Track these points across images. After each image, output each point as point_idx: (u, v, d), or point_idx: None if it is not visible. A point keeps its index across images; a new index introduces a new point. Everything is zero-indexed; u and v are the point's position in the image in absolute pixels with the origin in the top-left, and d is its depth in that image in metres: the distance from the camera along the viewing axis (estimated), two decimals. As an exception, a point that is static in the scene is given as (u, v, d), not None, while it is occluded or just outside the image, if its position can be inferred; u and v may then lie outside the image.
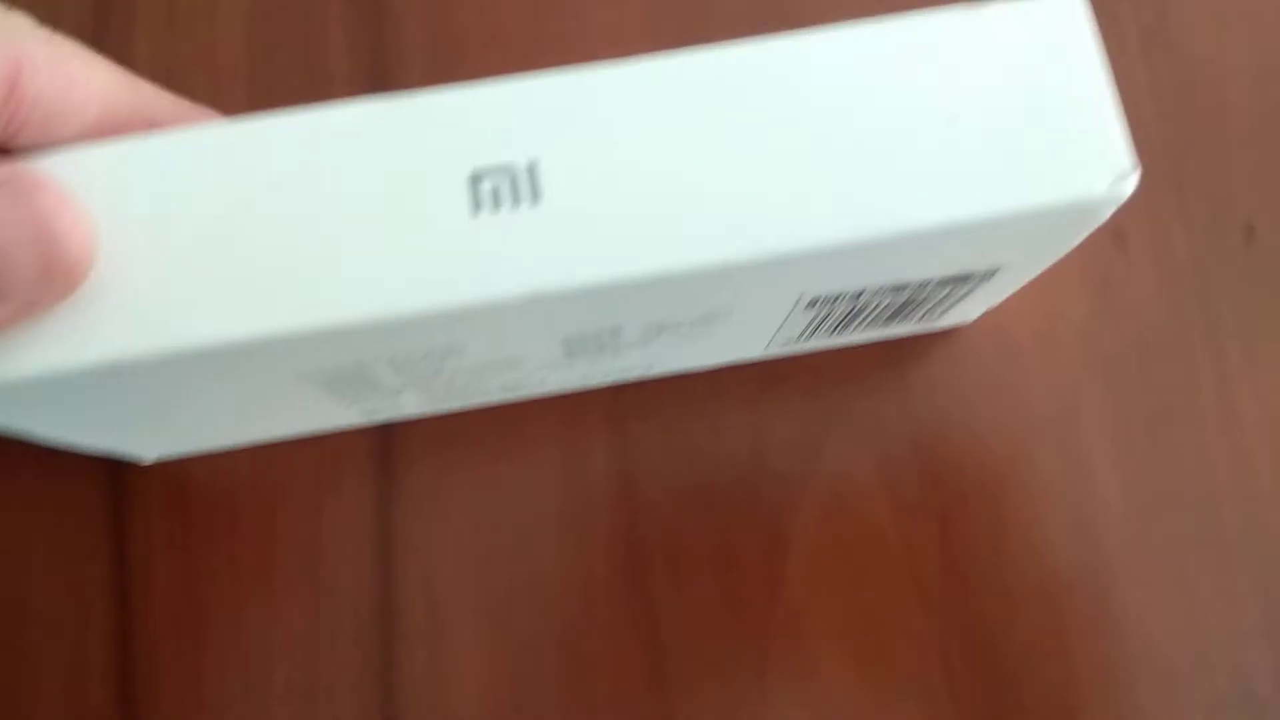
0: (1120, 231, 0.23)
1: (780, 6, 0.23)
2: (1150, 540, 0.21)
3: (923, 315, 0.20)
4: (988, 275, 0.18)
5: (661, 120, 0.15)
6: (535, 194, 0.14)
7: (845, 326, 0.20)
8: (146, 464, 0.21)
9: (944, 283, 0.18)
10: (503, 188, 0.14)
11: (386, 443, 0.22)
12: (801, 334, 0.20)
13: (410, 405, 0.20)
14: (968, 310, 0.21)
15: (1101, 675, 0.21)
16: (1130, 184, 0.15)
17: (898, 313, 0.20)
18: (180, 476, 0.22)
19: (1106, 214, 0.15)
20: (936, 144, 0.15)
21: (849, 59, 0.15)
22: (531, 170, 0.14)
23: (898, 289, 0.18)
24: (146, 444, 0.20)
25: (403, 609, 0.21)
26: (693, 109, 0.15)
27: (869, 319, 0.20)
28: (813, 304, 0.18)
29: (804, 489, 0.21)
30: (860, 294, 0.18)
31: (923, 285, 0.18)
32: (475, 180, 0.14)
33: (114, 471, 0.22)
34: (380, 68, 0.23)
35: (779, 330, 0.19)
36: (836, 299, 0.18)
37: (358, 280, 0.14)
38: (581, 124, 0.15)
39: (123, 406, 0.17)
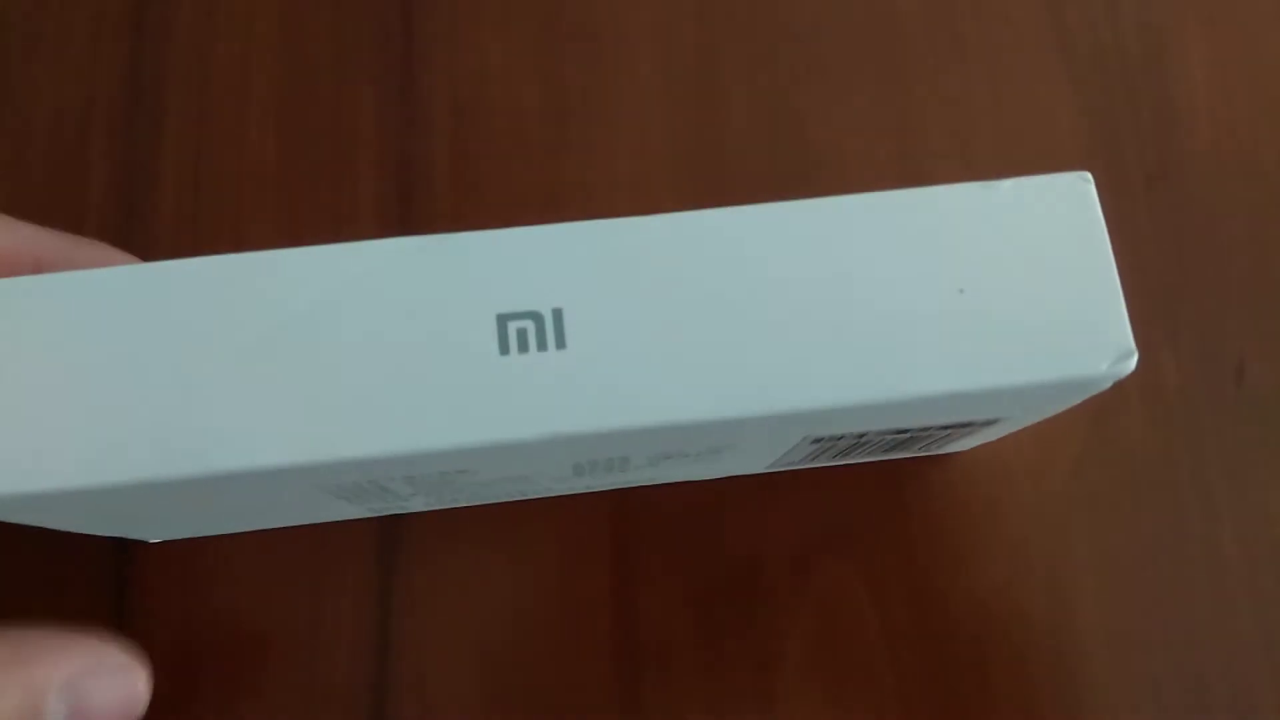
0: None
1: (800, 173, 0.25)
2: (1128, 676, 0.22)
3: (922, 447, 0.21)
4: (987, 424, 0.19)
5: (681, 274, 0.15)
6: (560, 341, 0.15)
7: (847, 456, 0.21)
8: (152, 543, 0.22)
9: (946, 428, 0.18)
10: (529, 331, 0.15)
11: (388, 533, 0.22)
12: (804, 459, 0.21)
13: (417, 505, 0.21)
14: (966, 443, 0.21)
15: None
16: (1130, 364, 0.15)
17: (898, 446, 0.20)
18: (184, 555, 0.22)
19: (1106, 386, 0.16)
20: (945, 314, 0.15)
21: (864, 225, 0.16)
22: (557, 317, 0.15)
23: (900, 431, 0.18)
24: (153, 532, 0.21)
25: (396, 702, 0.21)
26: (711, 264, 0.15)
27: (870, 450, 0.20)
28: (817, 440, 0.18)
29: (798, 605, 0.22)
30: (864, 435, 0.18)
31: (925, 429, 0.18)
32: (503, 323, 0.15)
33: (119, 549, 0.22)
34: (406, 213, 0.24)
35: (783, 456, 0.20)
36: (841, 437, 0.18)
37: (388, 412, 0.15)
38: (605, 273, 0.15)
39: (134, 510, 0.17)
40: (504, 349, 0.15)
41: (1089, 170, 0.16)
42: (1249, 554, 0.22)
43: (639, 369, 0.15)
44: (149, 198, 0.24)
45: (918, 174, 0.25)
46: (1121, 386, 0.23)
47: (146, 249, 0.24)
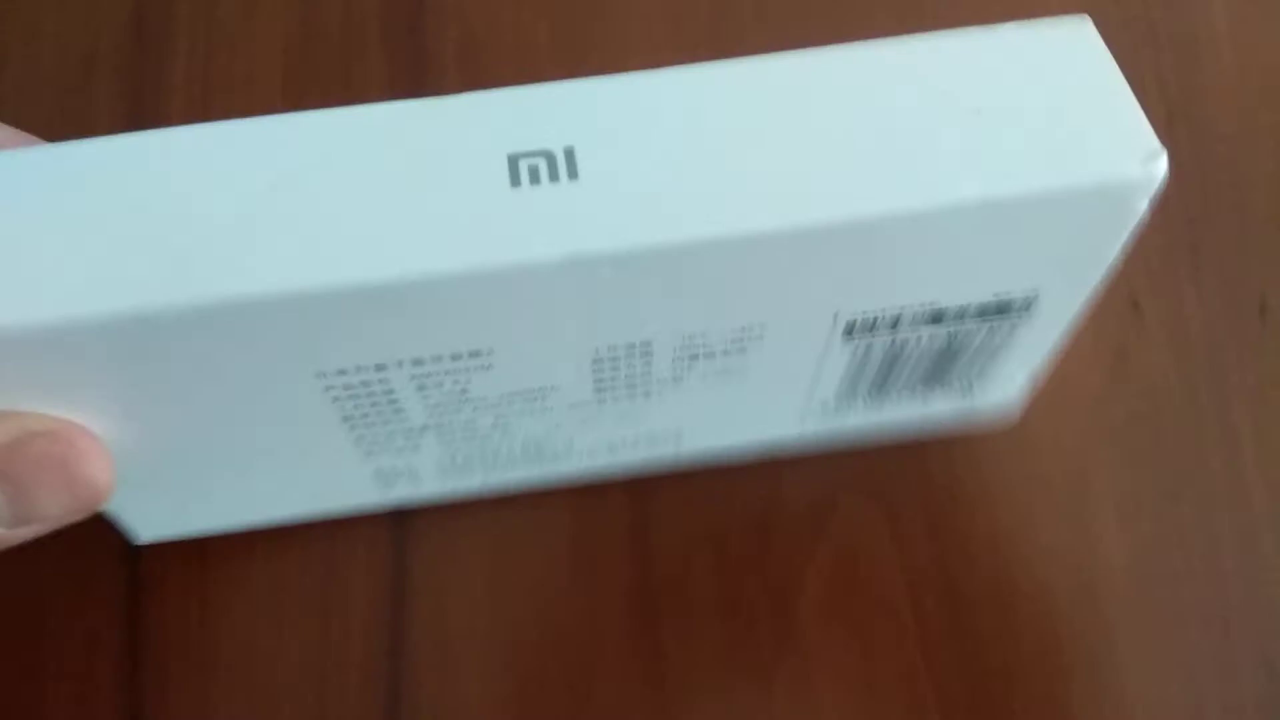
0: (1136, 303, 0.23)
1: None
2: (1153, 610, 0.21)
3: (962, 376, 0.20)
4: (1026, 306, 0.18)
5: (698, 117, 0.15)
6: (573, 172, 0.15)
7: (884, 383, 0.20)
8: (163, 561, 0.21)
9: (982, 314, 0.18)
10: (540, 167, 0.15)
11: (401, 511, 0.22)
12: (839, 394, 0.20)
13: (428, 472, 0.20)
14: (1005, 386, 0.20)
15: None
16: (1161, 165, 0.15)
17: (938, 368, 0.19)
18: (196, 572, 0.21)
19: (1141, 202, 0.15)
20: (964, 132, 0.15)
21: (873, 66, 0.16)
22: (569, 154, 0.15)
23: (935, 319, 0.17)
24: (142, 508, 0.19)
25: (412, 647, 0.21)
26: (729, 106, 0.15)
27: (908, 374, 0.19)
28: (849, 331, 0.17)
29: (815, 543, 0.21)
30: (897, 322, 0.17)
31: (960, 316, 0.18)
32: (514, 161, 0.15)
33: (130, 559, 0.21)
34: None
35: (816, 383, 0.19)
36: (874, 326, 0.17)
37: (395, 239, 0.14)
38: (617, 118, 0.15)
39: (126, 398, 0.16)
40: (515, 182, 0.14)
41: None
42: (1273, 490, 0.22)
43: (655, 193, 0.15)
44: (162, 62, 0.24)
45: None
46: (1144, 322, 0.23)
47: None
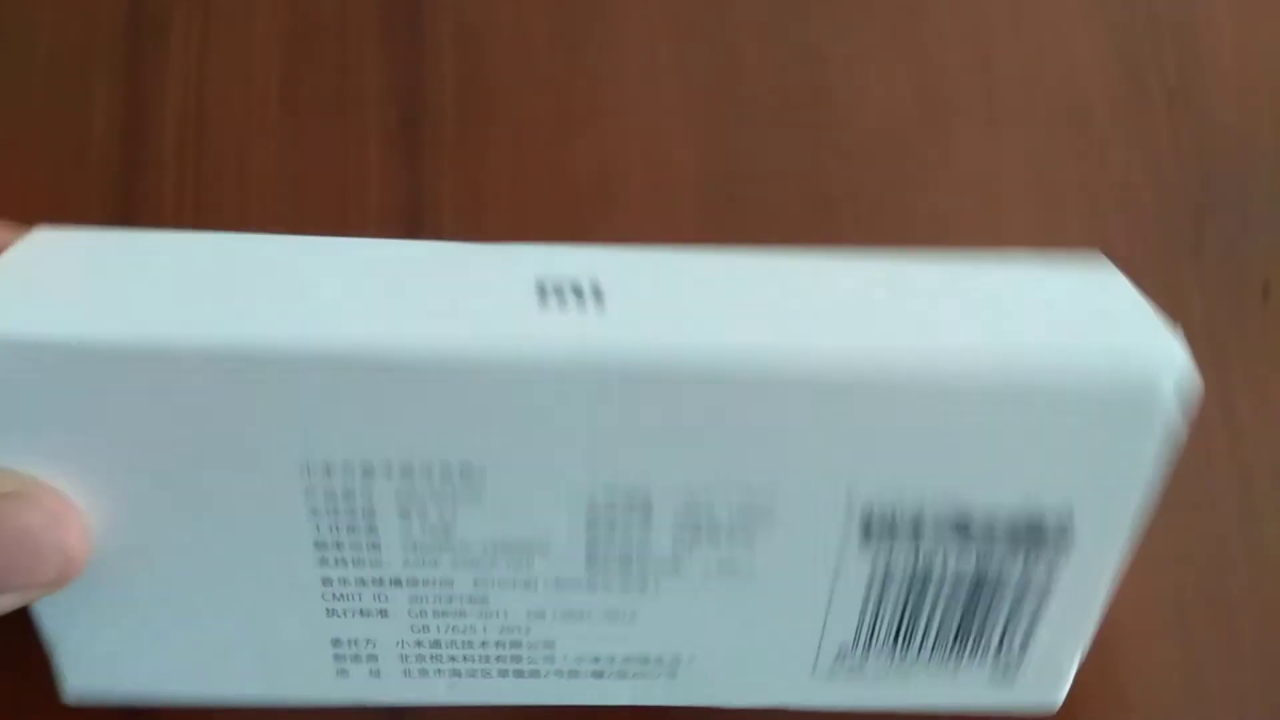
0: (1140, 288, 0.23)
1: (815, 100, 0.25)
2: (1154, 597, 0.21)
3: (999, 641, 0.18)
4: (1061, 534, 0.16)
5: (714, 279, 0.16)
6: (599, 300, 0.15)
7: (909, 634, 0.18)
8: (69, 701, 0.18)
9: (1013, 536, 0.16)
10: (567, 291, 0.15)
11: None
12: (856, 641, 0.18)
13: (389, 658, 0.18)
14: (1049, 677, 0.18)
15: None
16: (1193, 389, 0.15)
17: (968, 617, 0.17)
18: None
19: (1169, 415, 0.15)
20: (983, 318, 0.16)
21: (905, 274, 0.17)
22: (594, 285, 0.16)
23: (961, 527, 0.16)
24: (83, 639, 0.17)
25: None
26: (758, 286, 0.16)
27: (936, 623, 0.18)
28: (867, 531, 0.16)
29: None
30: (919, 525, 0.16)
31: (989, 532, 0.16)
32: (541, 285, 0.16)
33: None
34: (413, 139, 0.24)
35: (830, 613, 0.17)
36: (894, 526, 0.16)
37: (412, 320, 0.15)
38: (648, 268, 0.16)
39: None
40: (543, 304, 0.15)
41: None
42: (1276, 473, 0.22)
43: (677, 324, 0.15)
44: (152, 129, 0.24)
45: (936, 99, 0.24)
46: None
47: (150, 181, 0.23)
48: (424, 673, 0.18)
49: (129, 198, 0.23)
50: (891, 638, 0.18)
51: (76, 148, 0.24)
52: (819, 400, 0.15)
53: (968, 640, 0.18)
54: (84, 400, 0.15)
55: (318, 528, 0.16)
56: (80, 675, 0.18)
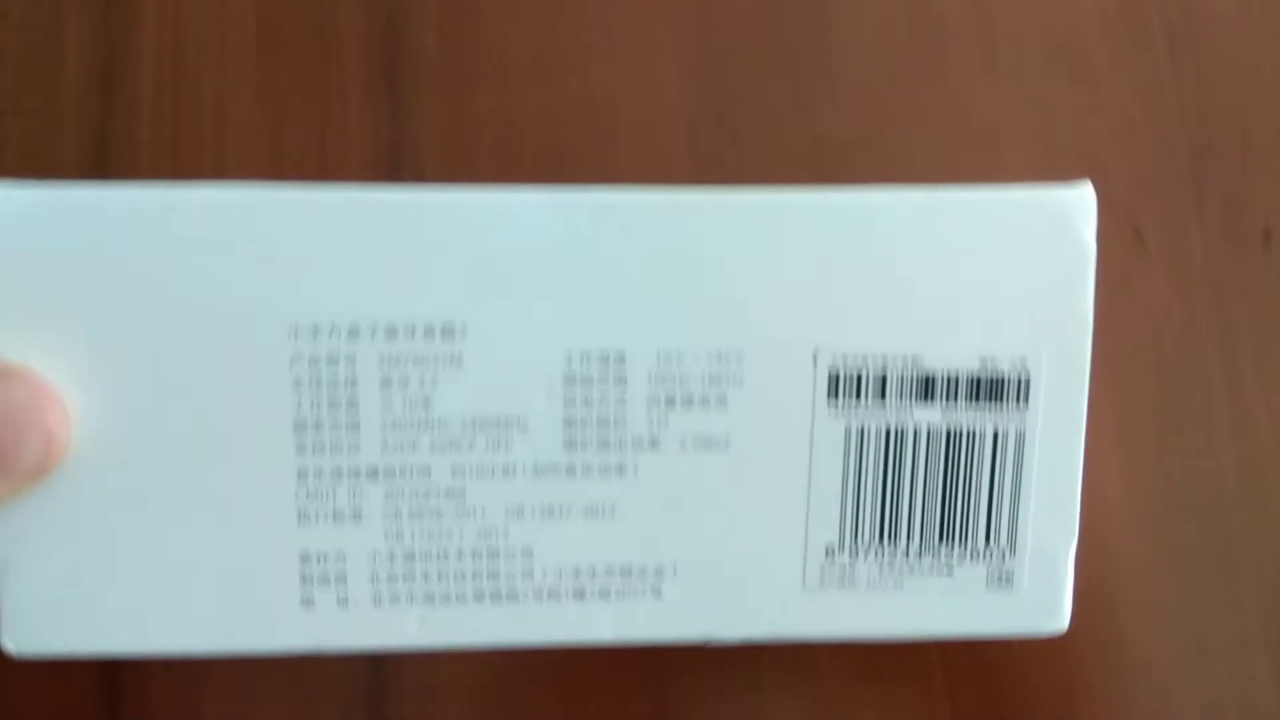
0: (1138, 232, 0.23)
1: (813, 38, 0.24)
2: (1155, 544, 0.21)
3: (985, 531, 0.18)
4: (1021, 389, 0.17)
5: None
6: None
7: (894, 521, 0.18)
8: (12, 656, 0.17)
9: (975, 396, 0.17)
10: None
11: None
12: (843, 534, 0.17)
13: (360, 575, 0.17)
14: (1046, 575, 0.18)
15: (1100, 680, 0.21)
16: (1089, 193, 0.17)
17: (950, 503, 0.18)
18: None
19: (1083, 229, 0.17)
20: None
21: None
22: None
23: (925, 388, 0.17)
24: (23, 591, 0.17)
25: None
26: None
27: (919, 508, 0.18)
28: (834, 389, 0.17)
29: None
30: (884, 385, 0.17)
31: (952, 391, 0.17)
32: None
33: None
34: (393, 83, 0.23)
35: (812, 501, 0.17)
36: (861, 386, 0.17)
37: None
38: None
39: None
40: None
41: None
42: (1276, 419, 0.22)
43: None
44: (126, 75, 0.23)
45: (932, 38, 0.24)
46: (1146, 250, 0.23)
47: (125, 125, 0.22)
48: (395, 599, 0.17)
49: (104, 143, 0.22)
50: (877, 529, 0.17)
51: (50, 92, 0.23)
52: (782, 254, 0.17)
53: (954, 528, 0.18)
54: (79, 260, 0.16)
55: (299, 404, 0.16)
56: (21, 628, 0.17)
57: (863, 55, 0.24)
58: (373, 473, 0.17)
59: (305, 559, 0.17)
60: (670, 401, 0.17)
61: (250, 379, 0.16)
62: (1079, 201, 0.17)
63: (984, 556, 0.18)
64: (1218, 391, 0.23)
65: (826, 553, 0.17)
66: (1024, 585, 0.18)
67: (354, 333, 0.16)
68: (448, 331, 0.16)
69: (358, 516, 0.17)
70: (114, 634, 0.17)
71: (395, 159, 0.23)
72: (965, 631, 0.18)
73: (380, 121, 0.23)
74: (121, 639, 0.17)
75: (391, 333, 0.16)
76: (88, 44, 0.23)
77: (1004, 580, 0.18)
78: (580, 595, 0.17)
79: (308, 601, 0.17)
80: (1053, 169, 0.23)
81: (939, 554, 0.18)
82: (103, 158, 0.22)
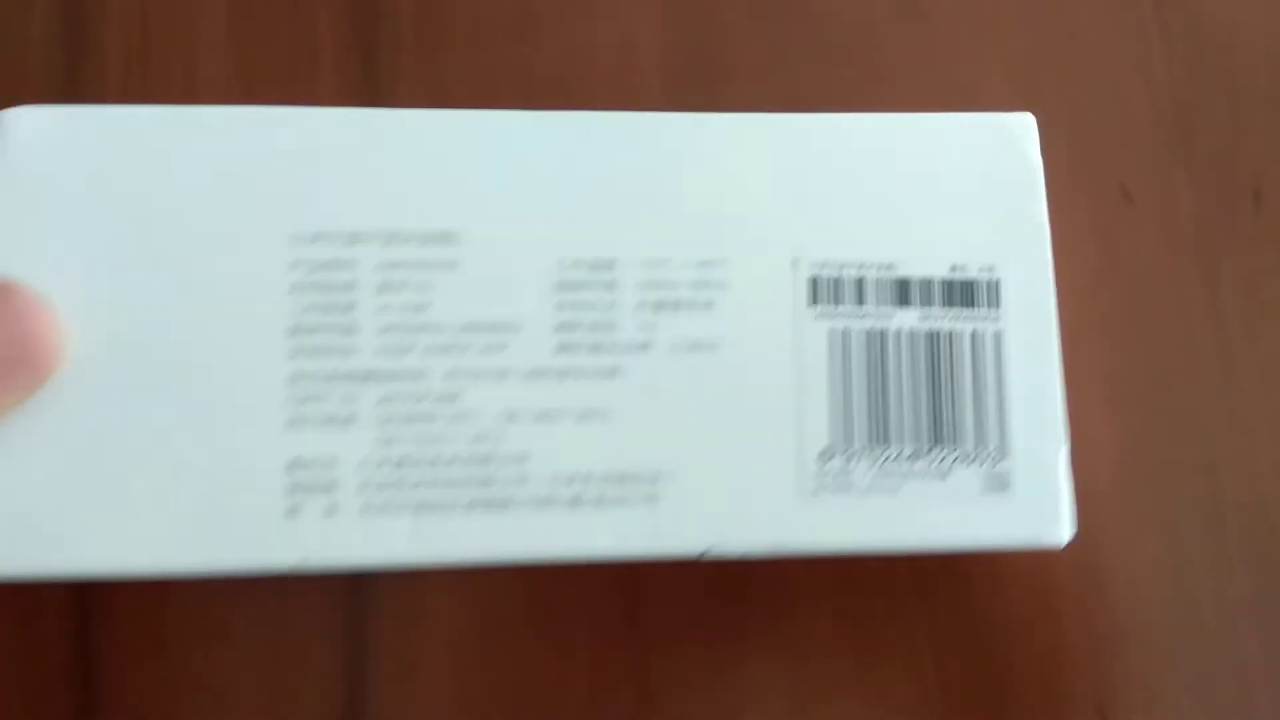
0: (1126, 190, 0.22)
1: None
2: (1142, 502, 0.21)
3: (974, 430, 0.18)
4: (992, 294, 0.18)
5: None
6: None
7: (884, 424, 0.18)
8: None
9: (949, 302, 0.18)
10: None
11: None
12: (834, 436, 0.18)
13: (349, 484, 0.17)
14: (1041, 480, 0.18)
15: (1088, 639, 0.20)
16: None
17: (938, 404, 0.18)
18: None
19: (1029, 150, 0.19)
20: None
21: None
22: None
23: (901, 294, 0.18)
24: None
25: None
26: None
27: (907, 409, 0.18)
28: (814, 295, 0.18)
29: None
30: (862, 289, 0.18)
31: (927, 296, 0.18)
32: None
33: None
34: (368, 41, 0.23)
35: (802, 404, 0.17)
36: (839, 291, 0.18)
37: None
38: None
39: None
40: None
41: None
42: (1264, 376, 0.22)
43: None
44: (95, 32, 0.22)
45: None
46: (1134, 209, 0.22)
47: (95, 85, 0.22)
48: (385, 508, 0.17)
49: (72, 88, 0.22)
50: (867, 431, 0.18)
51: (16, 51, 0.22)
52: (761, 170, 0.18)
53: (944, 429, 0.18)
54: (90, 176, 0.17)
55: (295, 310, 0.17)
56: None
57: (843, 12, 0.23)
58: (366, 376, 0.17)
59: (293, 466, 0.17)
60: (659, 306, 0.18)
61: (247, 286, 0.17)
62: (1021, 125, 0.19)
63: (976, 459, 0.18)
64: (1206, 349, 0.22)
65: (821, 456, 0.17)
66: (1019, 490, 0.18)
67: (354, 238, 0.17)
68: (445, 238, 0.17)
69: (349, 421, 0.17)
70: (88, 554, 0.16)
71: (371, 87, 0.22)
72: (966, 541, 0.18)
73: (354, 78, 0.22)
74: (96, 558, 0.16)
75: (391, 238, 0.17)
76: (55, 7, 0.22)
77: (999, 484, 0.18)
78: (575, 503, 0.17)
79: (293, 511, 0.16)
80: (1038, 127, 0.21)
81: (932, 457, 0.18)
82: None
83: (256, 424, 0.17)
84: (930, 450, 0.18)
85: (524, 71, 0.23)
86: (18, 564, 0.16)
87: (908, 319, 0.18)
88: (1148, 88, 0.23)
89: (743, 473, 0.17)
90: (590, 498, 0.17)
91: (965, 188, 0.18)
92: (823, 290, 0.18)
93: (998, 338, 0.18)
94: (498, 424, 0.17)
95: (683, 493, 0.17)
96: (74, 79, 0.22)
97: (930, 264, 0.18)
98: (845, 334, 0.18)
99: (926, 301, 0.18)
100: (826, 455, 0.17)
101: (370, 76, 0.22)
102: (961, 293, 0.18)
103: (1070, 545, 0.18)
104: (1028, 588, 0.21)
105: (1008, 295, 0.18)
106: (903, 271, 0.18)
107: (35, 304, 0.16)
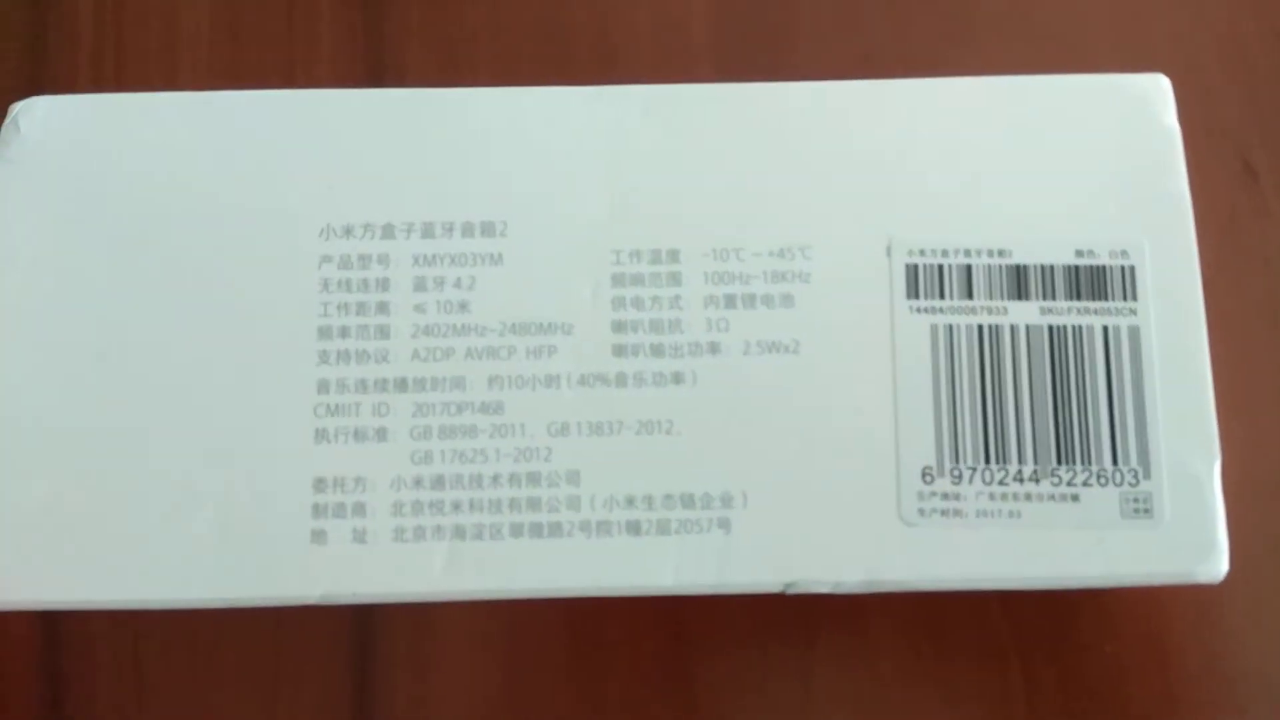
0: (1251, 166, 0.20)
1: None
2: (1258, 533, 0.17)
3: (1103, 428, 0.15)
4: (1126, 284, 0.15)
5: None
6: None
7: (997, 417, 0.15)
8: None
9: (1073, 292, 0.15)
10: None
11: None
12: (941, 450, 0.15)
13: (381, 507, 0.15)
14: (1195, 513, 0.15)
15: (1218, 693, 0.17)
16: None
17: (1062, 414, 0.15)
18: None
19: (1165, 115, 0.16)
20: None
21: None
22: None
23: (1017, 284, 0.15)
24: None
25: None
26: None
27: (1026, 420, 0.15)
28: (913, 288, 0.15)
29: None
30: (970, 279, 0.15)
31: (1048, 287, 0.15)
32: None
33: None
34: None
35: (896, 398, 0.15)
36: (942, 281, 0.15)
37: None
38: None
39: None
40: None
41: None
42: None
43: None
44: (64, 28, 0.20)
45: None
46: (1257, 187, 0.20)
47: (63, 49, 0.20)
48: (419, 533, 0.15)
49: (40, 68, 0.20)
50: (982, 447, 0.15)
51: None
52: (847, 145, 0.16)
53: (1073, 444, 0.15)
54: (112, 165, 0.16)
55: (325, 309, 0.15)
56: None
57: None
58: (401, 384, 0.15)
59: (320, 485, 0.15)
60: (730, 302, 0.15)
61: (274, 284, 0.15)
62: (1155, 88, 0.16)
63: (1113, 479, 0.15)
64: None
65: (924, 476, 0.15)
66: (1165, 515, 0.15)
67: (388, 232, 0.15)
68: (488, 229, 0.15)
69: (382, 435, 0.15)
70: (91, 583, 0.15)
71: (375, 80, 0.20)
72: (1101, 576, 0.15)
73: (355, 35, 0.20)
74: (97, 588, 0.14)
75: (428, 231, 0.15)
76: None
77: (1141, 508, 0.15)
78: (635, 529, 0.15)
79: (319, 535, 0.15)
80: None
81: (1059, 477, 0.15)
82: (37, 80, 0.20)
83: (281, 436, 0.15)
84: (1055, 469, 0.15)
85: (552, 39, 0.20)
86: (15, 593, 0.14)
87: (1025, 313, 0.15)
88: (1265, 60, 0.19)
89: (831, 495, 0.15)
90: (652, 523, 0.15)
91: (1088, 162, 0.16)
92: (923, 282, 0.15)
93: (1134, 333, 0.15)
94: (546, 438, 0.15)
95: (760, 517, 0.15)
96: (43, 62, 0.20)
97: (1050, 249, 0.15)
98: (951, 331, 0.15)
99: (1048, 293, 0.15)
100: (931, 475, 0.15)
101: (374, 60, 0.20)
102: (1089, 281, 0.15)
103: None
104: (1142, 627, 0.18)
105: (1145, 284, 0.15)
106: (1018, 258, 0.15)
107: None
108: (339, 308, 0.15)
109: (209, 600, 0.14)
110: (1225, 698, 0.18)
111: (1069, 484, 0.15)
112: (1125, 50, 0.20)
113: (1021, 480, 0.15)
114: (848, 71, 0.18)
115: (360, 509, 0.15)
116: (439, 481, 0.15)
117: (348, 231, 0.15)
